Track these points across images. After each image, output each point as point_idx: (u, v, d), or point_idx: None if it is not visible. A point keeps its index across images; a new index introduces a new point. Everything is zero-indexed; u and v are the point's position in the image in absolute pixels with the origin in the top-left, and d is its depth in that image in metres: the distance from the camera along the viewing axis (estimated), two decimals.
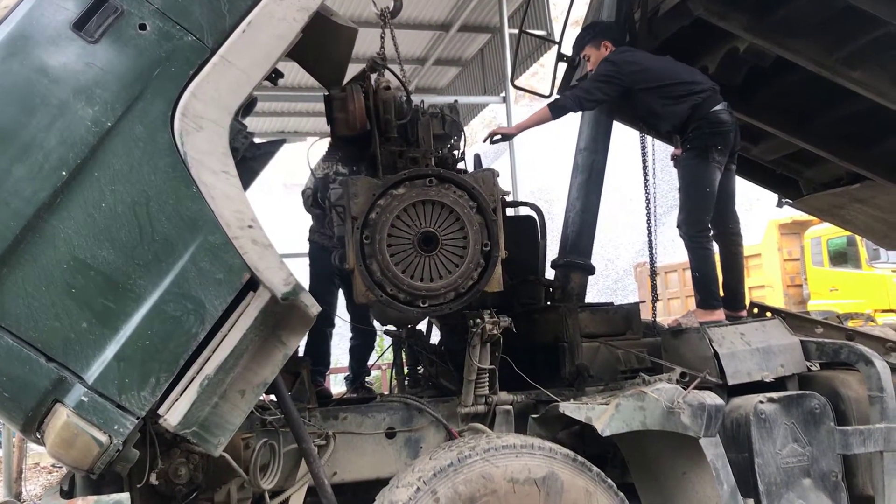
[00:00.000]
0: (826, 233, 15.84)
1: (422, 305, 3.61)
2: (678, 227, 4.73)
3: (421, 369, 4.77)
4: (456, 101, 4.14)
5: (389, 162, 3.88)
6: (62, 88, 2.75)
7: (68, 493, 3.36)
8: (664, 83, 4.73)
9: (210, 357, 2.82)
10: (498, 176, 3.80)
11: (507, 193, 3.86)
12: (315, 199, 4.91)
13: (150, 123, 2.81)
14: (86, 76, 2.77)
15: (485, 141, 5.00)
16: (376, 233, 3.54)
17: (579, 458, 3.35)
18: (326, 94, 3.93)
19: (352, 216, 3.59)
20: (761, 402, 3.89)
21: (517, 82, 8.03)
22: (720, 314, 4.59)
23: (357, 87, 3.89)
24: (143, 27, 2.83)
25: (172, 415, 2.78)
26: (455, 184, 3.67)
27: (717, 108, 4.69)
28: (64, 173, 2.71)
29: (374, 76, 4.02)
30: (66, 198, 2.73)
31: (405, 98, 4.01)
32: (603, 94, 4.76)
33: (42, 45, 2.76)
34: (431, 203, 3.60)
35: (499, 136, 4.91)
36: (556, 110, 4.72)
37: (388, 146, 3.91)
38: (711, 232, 4.77)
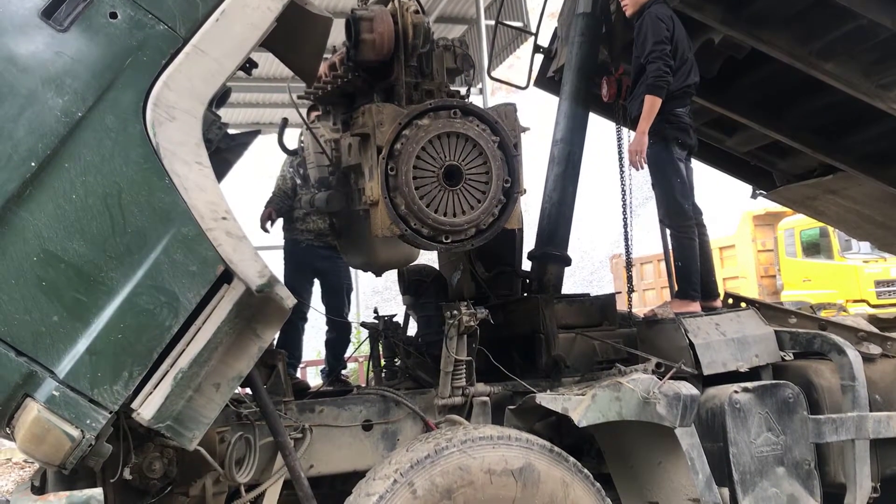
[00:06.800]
0: (799, 224, 16.03)
1: (444, 241, 3.56)
2: (661, 221, 4.72)
3: (398, 361, 4.75)
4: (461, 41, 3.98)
5: (406, 93, 3.72)
6: (31, 78, 2.69)
7: (40, 489, 3.31)
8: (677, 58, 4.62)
9: (184, 350, 2.79)
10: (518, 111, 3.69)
11: (527, 130, 3.77)
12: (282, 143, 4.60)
13: (121, 114, 2.76)
14: (55, 65, 2.71)
15: (636, 170, 4.76)
16: (402, 164, 3.43)
17: (556, 448, 3.36)
18: (351, 12, 3.67)
19: (377, 145, 3.47)
20: (736, 391, 3.92)
21: (494, 73, 8.02)
22: (696, 306, 4.61)
23: (385, 9, 3.68)
24: (113, 15, 2.77)
25: (146, 409, 2.75)
26: (478, 117, 3.59)
27: (681, 110, 4.67)
28: (33, 164, 2.66)
29: None
30: (35, 189, 2.68)
31: (428, 25, 3.82)
32: (669, 55, 4.61)
33: (10, 33, 2.70)
34: (456, 136, 3.51)
35: (642, 158, 4.62)
36: (659, 90, 4.56)
37: (404, 76, 3.73)
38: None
